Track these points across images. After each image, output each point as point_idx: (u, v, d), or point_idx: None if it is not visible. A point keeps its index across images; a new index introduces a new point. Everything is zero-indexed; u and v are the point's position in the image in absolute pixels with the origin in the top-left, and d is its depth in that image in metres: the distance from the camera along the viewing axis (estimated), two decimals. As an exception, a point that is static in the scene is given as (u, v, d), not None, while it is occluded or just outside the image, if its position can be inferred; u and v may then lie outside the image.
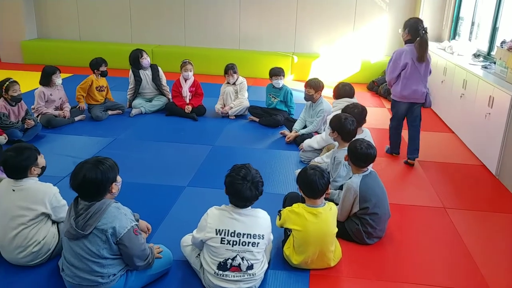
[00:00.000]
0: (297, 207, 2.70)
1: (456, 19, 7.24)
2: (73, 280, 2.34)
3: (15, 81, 4.65)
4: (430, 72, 4.38)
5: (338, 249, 2.84)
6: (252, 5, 8.39)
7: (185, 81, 5.77)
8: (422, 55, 4.14)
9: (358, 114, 3.67)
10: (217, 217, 2.46)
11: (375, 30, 8.27)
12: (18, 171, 2.65)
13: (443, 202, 3.76)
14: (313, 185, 2.66)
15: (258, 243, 2.44)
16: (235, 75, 5.74)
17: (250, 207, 2.50)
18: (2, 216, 2.64)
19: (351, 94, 4.38)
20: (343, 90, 4.37)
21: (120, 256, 2.36)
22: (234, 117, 5.74)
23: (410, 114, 4.44)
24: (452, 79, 5.70)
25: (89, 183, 2.25)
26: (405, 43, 4.28)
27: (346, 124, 3.44)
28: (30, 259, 2.65)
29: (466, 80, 5.19)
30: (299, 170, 2.90)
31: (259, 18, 8.44)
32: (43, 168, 2.79)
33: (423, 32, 4.12)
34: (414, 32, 4.17)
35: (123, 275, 2.42)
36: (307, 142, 4.36)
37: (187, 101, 5.77)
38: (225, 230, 2.41)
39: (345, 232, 3.01)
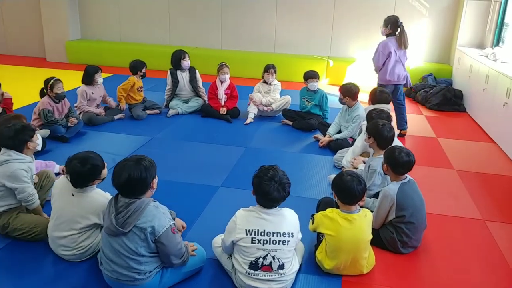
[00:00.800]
0: (331, 212, 2.69)
1: (501, 25, 7.01)
2: (111, 275, 2.42)
3: (59, 80, 4.83)
4: (407, 58, 5.36)
5: (371, 256, 2.80)
6: (289, 9, 8.40)
7: (221, 83, 5.83)
8: (403, 42, 5.15)
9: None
10: (245, 218, 2.49)
11: (414, 35, 8.10)
12: (81, 183, 2.64)
13: (483, 214, 3.64)
14: (349, 191, 2.63)
15: (288, 241, 2.45)
16: (275, 75, 5.80)
17: (277, 207, 2.51)
18: (57, 214, 2.71)
19: (387, 100, 4.32)
20: (380, 96, 4.32)
21: (156, 254, 2.42)
22: (272, 109, 5.78)
23: (395, 94, 5.27)
24: (495, 87, 5.52)
25: (134, 181, 2.31)
26: (387, 36, 5.26)
27: (383, 131, 3.38)
28: (72, 258, 2.75)
29: (510, 88, 5.02)
30: (333, 176, 2.89)
31: (295, 21, 8.44)
32: (103, 179, 2.76)
33: (402, 25, 5.16)
34: (395, 27, 5.20)
35: (159, 272, 2.48)
36: (346, 159, 4.19)
37: (222, 103, 5.84)
38: (255, 229, 2.44)
39: (379, 239, 2.97)
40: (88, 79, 5.35)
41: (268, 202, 2.46)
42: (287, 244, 2.45)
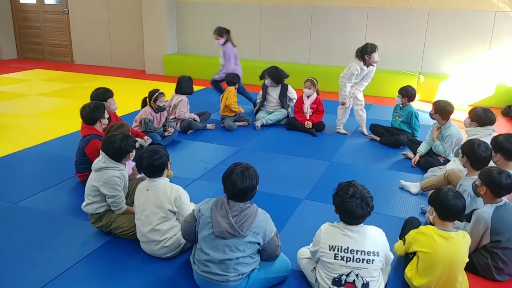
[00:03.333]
0: (426, 228, 2.63)
1: None
2: (205, 274, 2.57)
3: (162, 93, 5.17)
4: None
5: (465, 282, 2.68)
6: (380, 22, 8.30)
7: (307, 97, 5.93)
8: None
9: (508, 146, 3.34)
10: (330, 233, 2.51)
11: (515, 51, 7.60)
12: (153, 170, 2.97)
13: None
14: (450, 206, 2.55)
15: (373, 260, 2.43)
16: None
17: (362, 223, 2.51)
18: (140, 213, 3.00)
19: (493, 121, 4.08)
20: (487, 117, 4.05)
21: (255, 256, 2.58)
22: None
23: None
24: None
25: (250, 188, 2.51)
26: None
27: (478, 150, 3.24)
28: (163, 252, 2.97)
29: None
30: (404, 182, 2.83)
31: (386, 36, 8.30)
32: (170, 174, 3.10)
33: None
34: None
35: (247, 275, 2.60)
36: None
37: (308, 116, 5.92)
38: (338, 246, 2.45)
39: (472, 265, 2.83)
40: (190, 89, 5.79)
41: (353, 219, 2.46)
42: (372, 263, 2.44)
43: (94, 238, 3.26)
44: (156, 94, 5.11)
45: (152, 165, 2.94)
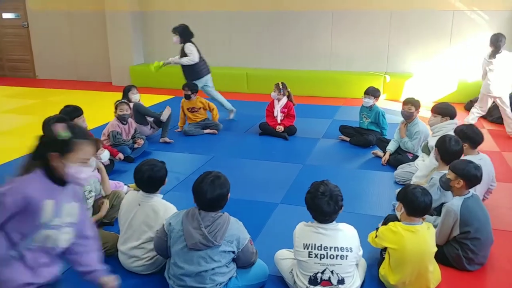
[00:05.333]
0: (394, 225, 2.70)
1: None
2: None
3: (124, 102, 5.17)
4: None
5: (437, 271, 2.76)
6: (345, 25, 8.46)
7: (278, 102, 5.96)
8: None
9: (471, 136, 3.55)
10: (304, 232, 2.56)
11: (473, 48, 7.88)
12: (152, 184, 2.87)
13: (555, 231, 3.47)
14: (416, 203, 2.63)
15: (346, 255, 2.48)
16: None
17: (334, 221, 2.55)
18: (127, 227, 2.90)
19: (455, 115, 4.25)
20: (449, 111, 4.22)
21: (230, 264, 2.56)
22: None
23: None
24: None
25: (220, 197, 2.48)
26: None
27: (450, 144, 3.34)
28: (143, 269, 2.89)
29: None
30: (398, 190, 2.90)
31: (351, 38, 8.47)
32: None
33: None
34: None
35: (225, 284, 2.58)
36: (414, 180, 4.00)
37: (279, 121, 5.96)
38: (312, 244, 2.49)
39: (443, 256, 2.91)
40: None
41: (321, 217, 2.52)
42: (346, 259, 2.48)
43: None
44: (117, 103, 5.05)
45: (152, 178, 2.84)
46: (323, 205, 2.46)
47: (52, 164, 2.00)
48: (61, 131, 1.99)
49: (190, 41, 6.41)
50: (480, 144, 3.63)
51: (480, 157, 3.54)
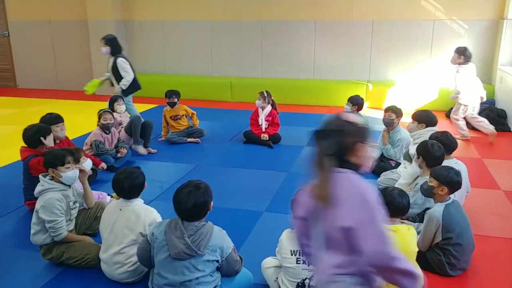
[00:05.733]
0: None
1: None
2: None
3: (108, 111, 5.15)
4: None
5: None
6: (327, 34, 8.56)
7: (262, 110, 5.99)
8: None
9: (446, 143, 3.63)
10: (290, 238, 2.56)
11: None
12: (133, 191, 2.89)
13: (534, 236, 3.54)
14: (393, 204, 2.66)
15: None
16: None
17: None
18: (109, 233, 2.89)
19: (436, 122, 4.32)
20: (429, 118, 4.30)
21: (213, 274, 2.54)
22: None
23: None
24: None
25: (200, 206, 2.46)
26: None
27: (432, 150, 3.40)
28: (125, 276, 2.87)
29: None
30: None
31: (334, 47, 8.57)
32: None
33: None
34: None
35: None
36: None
37: (263, 129, 5.97)
38: (299, 250, 2.48)
39: (426, 262, 2.95)
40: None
41: None
42: None
43: (46, 270, 3.10)
44: (101, 112, 5.01)
45: (132, 186, 2.86)
46: None
47: (357, 155, 1.71)
48: (358, 119, 1.75)
49: (122, 56, 6.14)
50: (454, 150, 3.74)
51: (455, 162, 3.64)
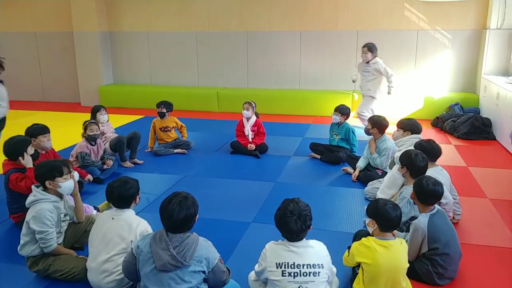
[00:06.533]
0: (367, 240, 2.71)
1: (525, 52, 7.00)
2: None
3: (93, 122, 5.10)
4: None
5: (409, 287, 2.78)
6: (313, 45, 8.62)
7: (247, 120, 5.99)
8: None
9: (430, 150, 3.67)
10: (275, 251, 2.54)
11: (437, 66, 8.17)
12: (123, 200, 2.90)
13: (520, 243, 3.57)
14: (386, 217, 2.66)
15: (318, 272, 2.48)
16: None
17: (304, 239, 2.55)
18: (100, 240, 2.87)
19: (420, 130, 4.35)
20: (414, 126, 4.33)
21: (200, 286, 2.51)
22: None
23: None
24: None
25: (188, 218, 2.44)
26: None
27: (416, 160, 3.41)
28: (113, 285, 2.83)
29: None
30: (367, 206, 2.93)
31: (319, 58, 8.65)
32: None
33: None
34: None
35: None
36: (379, 195, 3.99)
37: (250, 139, 5.97)
38: (285, 262, 2.48)
39: (414, 272, 2.94)
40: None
41: (289, 235, 2.51)
42: (318, 275, 2.48)
43: (32, 283, 3.05)
44: (86, 123, 4.98)
45: (123, 196, 2.87)
46: (291, 224, 2.46)
47: None
48: None
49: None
50: (438, 158, 3.77)
51: (440, 169, 3.68)
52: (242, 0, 8.79)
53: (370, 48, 6.73)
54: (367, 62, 6.79)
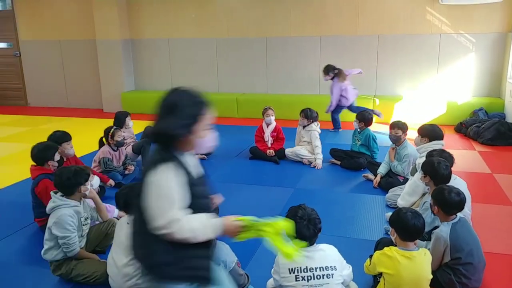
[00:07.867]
0: (389, 250, 2.66)
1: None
2: None
3: (118, 128, 5.18)
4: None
5: (431, 298, 2.72)
6: (333, 50, 8.58)
7: (267, 126, 5.99)
8: None
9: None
10: None
11: (461, 70, 8.02)
12: (126, 207, 2.96)
13: (547, 253, 3.46)
14: (409, 227, 2.61)
15: (332, 274, 2.47)
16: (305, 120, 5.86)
17: (315, 243, 2.56)
18: (118, 246, 2.92)
19: (441, 136, 4.25)
20: (435, 132, 4.22)
21: None
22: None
23: None
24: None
25: None
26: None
27: (440, 169, 3.32)
28: None
29: None
30: (390, 214, 2.88)
31: (339, 63, 8.51)
32: None
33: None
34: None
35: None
36: (400, 202, 3.97)
37: (269, 145, 5.97)
38: (297, 267, 2.48)
39: (437, 281, 2.86)
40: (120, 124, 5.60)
41: (301, 240, 2.49)
42: (332, 277, 2.47)
43: (56, 287, 3.11)
44: (112, 130, 5.05)
45: (128, 203, 2.90)
46: (303, 229, 2.47)
47: None
48: None
49: None
50: (451, 166, 3.58)
51: (454, 177, 3.51)
52: (261, 6, 8.83)
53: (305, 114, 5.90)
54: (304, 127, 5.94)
